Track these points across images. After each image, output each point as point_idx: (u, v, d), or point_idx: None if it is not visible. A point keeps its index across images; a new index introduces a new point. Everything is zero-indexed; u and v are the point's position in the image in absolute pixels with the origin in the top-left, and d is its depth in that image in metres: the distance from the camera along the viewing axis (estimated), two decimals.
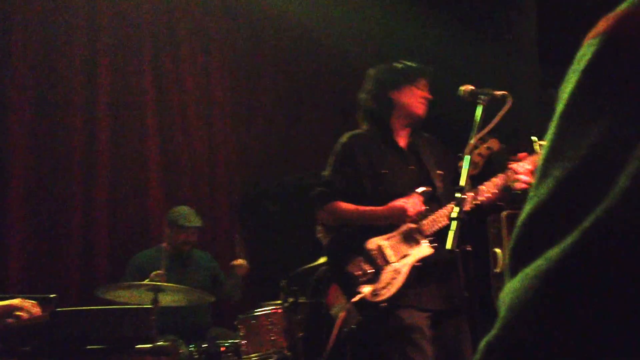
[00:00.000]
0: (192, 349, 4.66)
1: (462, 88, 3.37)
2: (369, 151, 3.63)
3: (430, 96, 3.66)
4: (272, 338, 4.52)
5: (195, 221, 5.42)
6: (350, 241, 3.53)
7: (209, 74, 6.73)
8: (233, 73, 6.89)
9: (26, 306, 3.15)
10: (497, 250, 4.84)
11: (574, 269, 0.57)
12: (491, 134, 3.27)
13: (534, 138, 5.11)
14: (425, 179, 3.56)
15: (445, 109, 4.48)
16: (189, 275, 5.29)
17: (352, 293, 3.40)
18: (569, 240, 0.57)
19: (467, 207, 3.10)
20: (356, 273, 3.42)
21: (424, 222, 3.45)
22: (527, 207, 0.63)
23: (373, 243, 3.47)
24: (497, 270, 4.77)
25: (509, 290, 0.61)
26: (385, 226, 3.50)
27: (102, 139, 6.05)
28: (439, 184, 3.56)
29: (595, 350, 0.56)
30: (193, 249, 5.50)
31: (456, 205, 2.97)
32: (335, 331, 3.81)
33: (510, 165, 3.34)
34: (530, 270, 0.59)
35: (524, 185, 3.29)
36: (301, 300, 4.00)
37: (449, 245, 2.84)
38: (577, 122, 0.62)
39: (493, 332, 0.61)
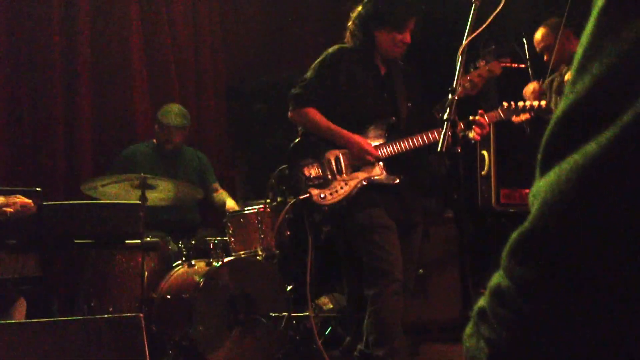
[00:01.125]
0: (180, 245, 4.71)
1: None
2: (353, 69, 3.82)
3: (409, 41, 3.79)
4: (261, 236, 4.56)
5: (176, 120, 5.27)
6: (313, 146, 3.80)
7: None
8: None
9: (11, 202, 3.14)
10: (485, 152, 4.86)
11: (612, 163, 0.57)
12: (495, 56, 3.31)
13: (525, 40, 5.05)
14: (392, 109, 3.80)
15: (440, 10, 4.38)
16: (177, 171, 5.29)
17: (299, 192, 3.73)
18: (607, 135, 0.57)
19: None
20: (309, 174, 3.73)
21: (382, 146, 3.72)
22: (562, 105, 0.62)
23: (332, 154, 3.76)
24: (484, 172, 4.80)
25: (544, 184, 0.61)
26: None
27: (84, 31, 5.87)
28: (404, 115, 3.79)
29: (630, 241, 0.56)
30: (183, 146, 5.45)
31: (447, 106, 2.97)
32: (277, 223, 4.39)
33: (472, 118, 3.58)
34: (566, 164, 0.59)
35: (477, 137, 3.59)
36: (289, 199, 4.01)
37: (439, 146, 2.87)
38: (618, 18, 0.60)
39: (526, 224, 0.61)
